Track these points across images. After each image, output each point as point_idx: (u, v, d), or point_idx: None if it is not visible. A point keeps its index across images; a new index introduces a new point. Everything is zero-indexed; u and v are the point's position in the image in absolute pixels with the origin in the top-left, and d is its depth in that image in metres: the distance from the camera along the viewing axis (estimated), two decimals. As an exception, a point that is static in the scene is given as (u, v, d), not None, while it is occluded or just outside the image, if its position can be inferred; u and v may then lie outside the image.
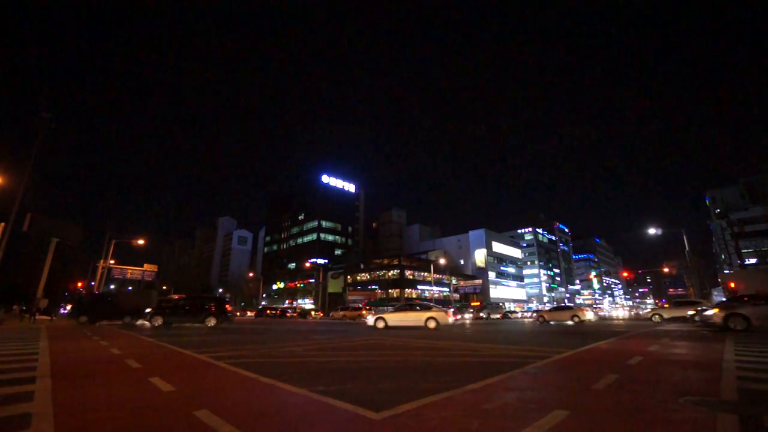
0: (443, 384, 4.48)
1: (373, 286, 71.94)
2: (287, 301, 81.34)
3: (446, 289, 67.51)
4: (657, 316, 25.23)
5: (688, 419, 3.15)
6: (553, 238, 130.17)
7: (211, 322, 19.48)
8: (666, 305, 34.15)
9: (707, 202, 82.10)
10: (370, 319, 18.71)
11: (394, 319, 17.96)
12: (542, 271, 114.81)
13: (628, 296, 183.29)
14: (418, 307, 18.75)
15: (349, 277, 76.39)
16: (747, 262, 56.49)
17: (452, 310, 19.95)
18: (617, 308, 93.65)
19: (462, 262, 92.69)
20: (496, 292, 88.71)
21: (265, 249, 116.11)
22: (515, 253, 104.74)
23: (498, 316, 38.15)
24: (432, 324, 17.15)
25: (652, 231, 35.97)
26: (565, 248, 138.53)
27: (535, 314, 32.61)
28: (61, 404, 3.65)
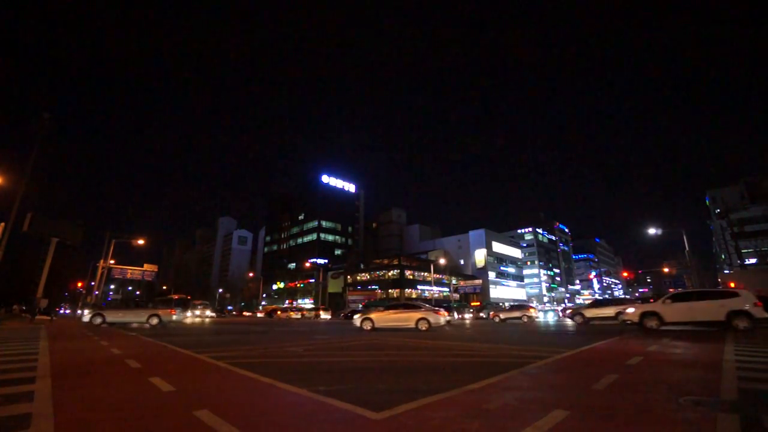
0: (443, 384, 4.48)
1: (373, 286, 71.95)
2: (287, 301, 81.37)
3: (446, 289, 67.52)
4: (578, 317, 21.54)
5: (688, 419, 3.15)
6: (553, 238, 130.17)
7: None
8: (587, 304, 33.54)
9: (707, 202, 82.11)
10: (356, 320, 17.52)
11: (382, 319, 16.77)
12: (542, 271, 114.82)
13: (628, 296, 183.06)
14: (408, 307, 17.57)
15: (349, 277, 76.37)
16: (747, 262, 56.47)
17: (444, 309, 18.95)
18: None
19: (462, 262, 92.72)
20: (496, 292, 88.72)
21: (265, 249, 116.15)
22: (515, 253, 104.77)
23: (518, 314, 29.07)
24: (423, 325, 16.05)
25: (652, 231, 35.94)
26: (565, 248, 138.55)
27: (492, 313, 32.43)
28: (61, 404, 3.66)
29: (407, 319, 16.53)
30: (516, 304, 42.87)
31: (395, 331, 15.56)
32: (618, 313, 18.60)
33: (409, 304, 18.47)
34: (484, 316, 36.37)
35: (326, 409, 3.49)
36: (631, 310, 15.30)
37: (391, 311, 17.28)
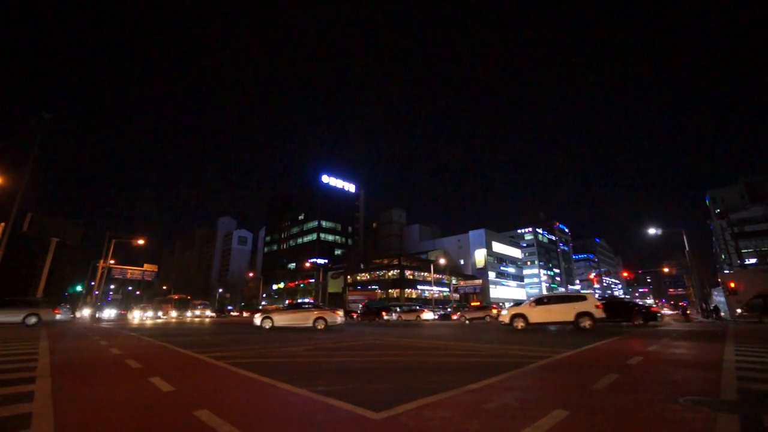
0: (443, 384, 4.48)
1: (373, 286, 71.95)
2: (287, 302, 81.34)
3: (446, 289, 67.52)
4: (463, 318, 25.74)
5: (688, 419, 3.15)
6: (553, 238, 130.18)
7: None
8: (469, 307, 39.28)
9: (707, 202, 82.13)
10: (257, 319, 18.15)
11: (282, 318, 17.62)
12: (542, 271, 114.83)
13: (629, 296, 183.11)
14: (306, 307, 18.70)
15: (349, 277, 76.38)
16: (747, 262, 56.45)
17: (341, 311, 20.05)
18: None
19: (462, 262, 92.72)
20: (496, 292, 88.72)
21: (265, 249, 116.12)
22: (515, 253, 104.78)
23: (482, 315, 29.51)
24: (320, 324, 17.08)
25: (652, 231, 35.98)
26: (565, 248, 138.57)
27: (459, 314, 34.03)
28: (61, 404, 3.65)
29: (305, 318, 17.49)
30: (484, 305, 44.55)
31: (294, 330, 16.79)
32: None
33: (309, 304, 19.72)
34: (456, 317, 36.04)
35: (326, 409, 3.49)
36: (504, 312, 17.79)
37: (290, 311, 18.31)
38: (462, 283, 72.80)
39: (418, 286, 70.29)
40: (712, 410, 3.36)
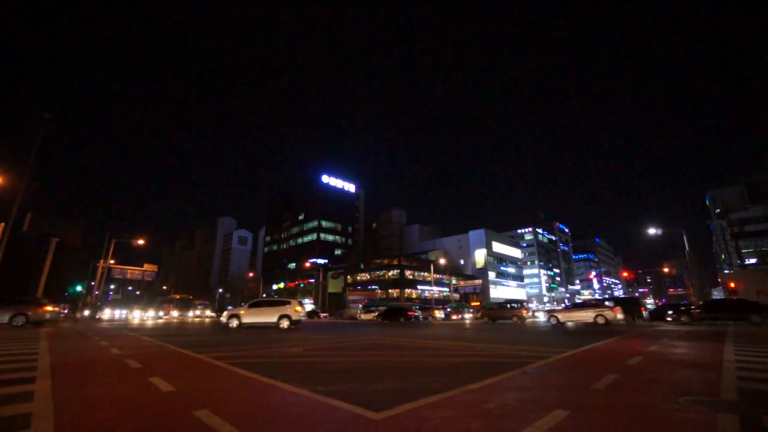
0: (443, 384, 4.48)
1: (373, 286, 71.89)
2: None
3: (446, 289, 67.50)
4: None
5: (688, 419, 3.15)
6: (553, 238, 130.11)
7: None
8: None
9: (707, 202, 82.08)
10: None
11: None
12: (542, 271, 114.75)
13: (628, 296, 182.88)
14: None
15: (349, 277, 76.34)
16: (747, 262, 56.43)
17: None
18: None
19: (462, 262, 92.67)
20: (496, 292, 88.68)
21: (265, 249, 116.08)
22: (515, 253, 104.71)
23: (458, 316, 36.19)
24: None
25: (652, 231, 35.97)
26: (565, 248, 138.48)
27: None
28: (61, 404, 3.65)
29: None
30: (456, 305, 45.66)
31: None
32: (597, 316, 20.50)
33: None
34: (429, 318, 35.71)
35: (326, 409, 3.49)
36: (224, 313, 19.25)
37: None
38: (462, 283, 72.75)
39: (418, 286, 70.24)
40: (712, 410, 3.36)
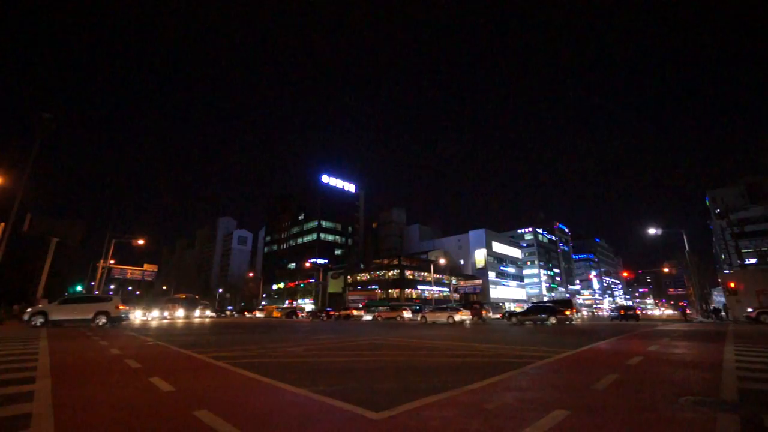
0: (443, 384, 4.48)
1: (373, 286, 71.88)
2: (287, 301, 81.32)
3: (446, 289, 67.50)
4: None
5: (688, 419, 3.15)
6: (553, 238, 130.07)
7: None
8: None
9: (707, 202, 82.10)
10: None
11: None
12: (542, 271, 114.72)
13: (629, 296, 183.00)
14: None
15: (349, 277, 76.35)
16: (747, 262, 56.46)
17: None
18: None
19: (462, 262, 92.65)
20: (496, 292, 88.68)
21: (265, 249, 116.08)
22: (515, 253, 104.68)
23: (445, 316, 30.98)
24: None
25: (652, 231, 35.99)
26: (565, 248, 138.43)
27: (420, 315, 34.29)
28: (61, 404, 3.65)
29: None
30: (443, 306, 45.05)
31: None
32: (449, 317, 25.34)
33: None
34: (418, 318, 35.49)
35: (326, 409, 3.49)
36: (28, 310, 17.91)
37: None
38: (462, 283, 72.74)
39: (418, 286, 70.24)
40: (712, 410, 3.36)
